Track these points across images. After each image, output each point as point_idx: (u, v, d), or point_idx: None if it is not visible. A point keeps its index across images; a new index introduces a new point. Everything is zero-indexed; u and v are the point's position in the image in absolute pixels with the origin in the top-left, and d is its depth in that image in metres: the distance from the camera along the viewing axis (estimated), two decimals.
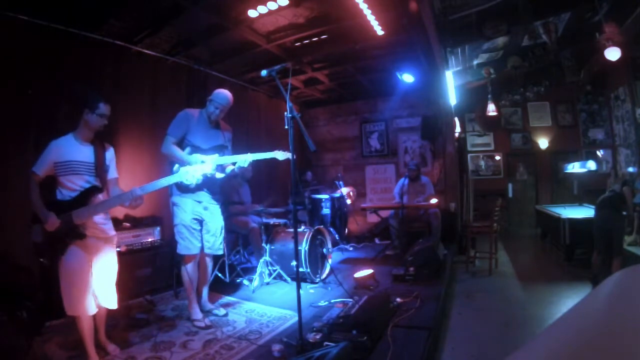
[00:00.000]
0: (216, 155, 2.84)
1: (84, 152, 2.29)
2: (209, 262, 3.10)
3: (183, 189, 2.83)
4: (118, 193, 2.41)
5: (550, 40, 5.22)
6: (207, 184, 2.88)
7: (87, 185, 2.28)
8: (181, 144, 2.84)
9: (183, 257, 2.91)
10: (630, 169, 6.25)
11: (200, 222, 2.94)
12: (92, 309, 2.25)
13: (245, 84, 5.64)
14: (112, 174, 2.44)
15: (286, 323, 2.87)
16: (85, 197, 2.25)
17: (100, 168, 2.33)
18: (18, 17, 2.90)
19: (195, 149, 2.83)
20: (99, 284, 2.34)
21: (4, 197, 2.78)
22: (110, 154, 2.43)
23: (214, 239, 2.99)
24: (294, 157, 2.40)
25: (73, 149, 2.26)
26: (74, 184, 2.24)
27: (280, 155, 2.83)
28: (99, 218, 2.32)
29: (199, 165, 2.59)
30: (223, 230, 3.08)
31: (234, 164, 2.88)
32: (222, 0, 3.34)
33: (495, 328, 2.96)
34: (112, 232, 2.44)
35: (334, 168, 7.25)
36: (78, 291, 2.19)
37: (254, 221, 4.21)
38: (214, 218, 2.99)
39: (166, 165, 2.92)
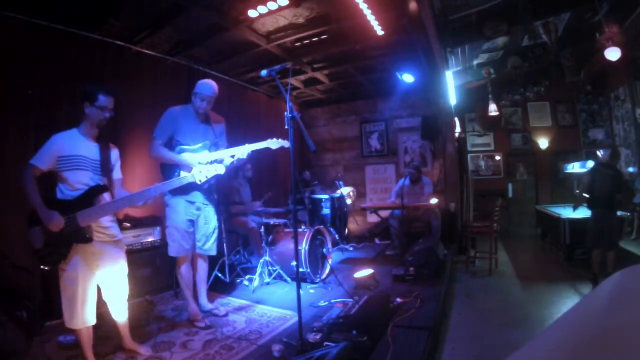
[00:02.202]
0: (206, 152, 2.77)
1: (89, 149, 2.16)
2: (203, 263, 3.04)
3: (175, 189, 2.72)
4: (122, 194, 2.26)
5: (550, 40, 5.22)
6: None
7: (92, 183, 2.13)
8: (170, 144, 2.77)
9: (175, 259, 2.89)
10: (630, 169, 6.25)
11: (193, 222, 2.88)
12: (92, 320, 2.15)
13: (245, 84, 5.64)
14: (117, 174, 2.32)
15: (286, 323, 2.87)
16: (90, 197, 2.09)
17: (105, 167, 2.21)
18: (18, 17, 2.90)
19: (185, 148, 2.75)
20: (110, 295, 2.23)
21: (4, 197, 2.78)
22: (115, 154, 2.33)
23: (204, 239, 2.93)
24: (293, 156, 2.39)
25: (78, 144, 2.13)
26: (78, 181, 2.09)
27: (274, 143, 2.80)
28: (105, 220, 2.19)
29: (212, 165, 2.47)
30: (216, 231, 3.02)
31: (232, 156, 2.81)
32: (222, 0, 3.34)
33: (495, 328, 2.96)
34: (120, 235, 2.30)
35: (334, 168, 7.25)
36: (78, 304, 2.07)
37: (253, 221, 4.21)
38: (206, 219, 2.93)
39: (163, 167, 2.84)
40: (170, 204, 2.83)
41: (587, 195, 4.05)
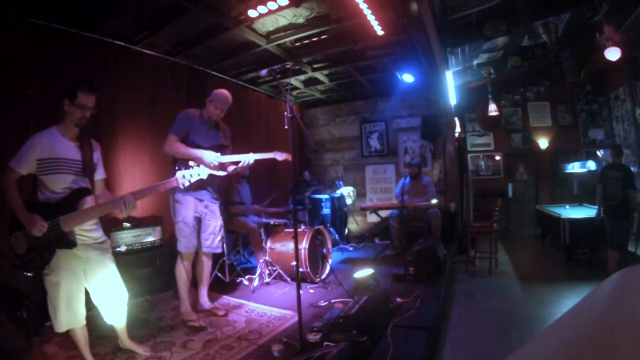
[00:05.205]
0: (219, 154, 2.86)
1: (70, 149, 2.05)
2: (207, 261, 3.10)
3: (187, 187, 2.82)
4: (105, 195, 2.20)
5: (550, 40, 5.22)
6: (210, 183, 2.91)
7: (75, 186, 2.04)
8: (185, 144, 2.84)
9: (181, 254, 2.93)
10: (631, 169, 6.25)
11: (200, 220, 2.96)
12: (77, 323, 2.10)
13: (245, 84, 5.64)
14: (100, 174, 2.23)
15: (286, 323, 2.87)
16: (73, 200, 2.01)
17: (88, 168, 2.10)
18: (18, 17, 2.90)
19: (198, 148, 2.84)
20: (101, 300, 2.18)
21: (3, 197, 2.78)
22: (97, 152, 2.22)
23: (213, 237, 3.02)
24: (293, 157, 2.41)
25: (58, 145, 2.02)
26: (59, 185, 2.00)
27: (279, 156, 2.89)
28: (88, 222, 2.10)
29: (195, 170, 2.43)
30: (222, 229, 3.11)
31: (236, 163, 2.91)
32: (222, 0, 3.34)
33: (495, 328, 2.96)
34: (104, 237, 2.23)
35: (334, 168, 7.25)
36: (60, 308, 2.02)
37: (253, 221, 4.22)
38: (214, 217, 3.02)
39: (169, 165, 2.90)
40: (181, 200, 2.89)
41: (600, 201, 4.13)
